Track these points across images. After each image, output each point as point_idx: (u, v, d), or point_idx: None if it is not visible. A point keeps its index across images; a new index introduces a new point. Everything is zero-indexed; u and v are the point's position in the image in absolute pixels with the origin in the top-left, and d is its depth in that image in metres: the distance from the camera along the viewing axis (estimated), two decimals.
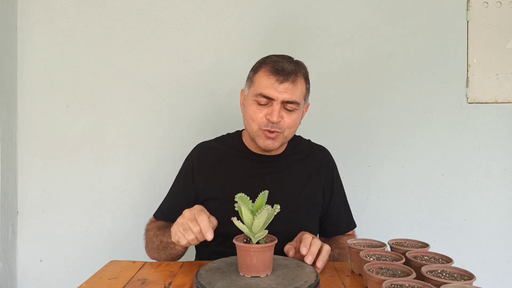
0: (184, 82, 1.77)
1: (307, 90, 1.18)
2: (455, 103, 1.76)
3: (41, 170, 1.76)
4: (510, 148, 1.75)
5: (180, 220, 0.97)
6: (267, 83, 1.10)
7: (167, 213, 1.25)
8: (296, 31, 1.77)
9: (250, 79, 1.17)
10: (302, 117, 1.22)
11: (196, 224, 0.93)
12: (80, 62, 1.77)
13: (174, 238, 0.98)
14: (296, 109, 1.13)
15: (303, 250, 0.95)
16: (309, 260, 0.93)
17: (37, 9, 1.76)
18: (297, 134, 1.38)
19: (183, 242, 0.96)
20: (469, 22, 1.75)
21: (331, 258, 1.13)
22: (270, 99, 1.10)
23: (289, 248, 1.00)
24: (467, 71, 1.75)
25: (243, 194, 0.86)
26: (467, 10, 1.75)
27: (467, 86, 1.75)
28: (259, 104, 1.12)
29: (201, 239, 0.95)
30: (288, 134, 1.16)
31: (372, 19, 1.77)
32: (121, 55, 1.77)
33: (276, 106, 1.10)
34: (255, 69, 1.16)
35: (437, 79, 1.76)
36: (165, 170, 1.74)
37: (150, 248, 1.18)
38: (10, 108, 1.72)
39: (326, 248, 0.98)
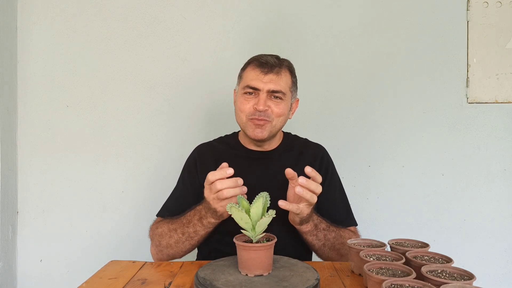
0: (184, 82, 1.77)
1: (293, 83, 1.25)
2: (455, 103, 1.76)
3: (41, 170, 1.76)
4: (510, 148, 1.75)
5: (207, 193, 1.01)
6: (253, 76, 1.19)
7: (174, 209, 1.23)
8: (297, 31, 1.77)
9: (240, 76, 1.26)
10: (292, 112, 1.28)
11: (220, 182, 0.98)
12: (80, 62, 1.77)
13: (216, 205, 1.01)
14: (282, 98, 1.19)
15: (301, 178, 0.95)
16: (297, 189, 0.94)
17: (37, 9, 1.76)
18: (296, 133, 1.39)
19: (226, 198, 0.98)
20: (469, 22, 1.75)
21: (323, 237, 1.12)
22: (256, 89, 1.18)
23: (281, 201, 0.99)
24: (467, 71, 1.75)
25: (233, 203, 0.87)
26: (467, 10, 1.75)
27: (467, 86, 1.75)
28: (247, 96, 1.20)
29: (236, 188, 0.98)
30: (277, 124, 1.21)
31: (372, 19, 1.77)
32: (121, 55, 1.77)
33: (262, 95, 1.17)
34: (244, 67, 1.26)
35: (437, 79, 1.76)
36: (165, 170, 1.74)
37: (165, 244, 1.14)
38: (10, 108, 1.72)
39: (313, 196, 0.98)
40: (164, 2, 1.77)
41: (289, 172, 1.00)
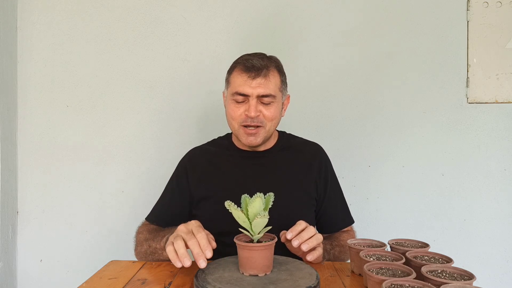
0: (184, 82, 1.77)
1: (282, 82, 1.21)
2: (455, 103, 1.76)
3: (41, 170, 1.76)
4: (510, 148, 1.75)
5: (175, 240, 0.90)
6: (240, 81, 1.16)
7: (160, 215, 1.26)
8: (297, 32, 1.77)
9: (227, 80, 1.23)
10: (284, 109, 1.26)
11: (195, 242, 0.88)
12: (80, 62, 1.77)
13: (169, 256, 0.90)
14: (273, 101, 1.17)
15: (288, 235, 0.94)
16: (295, 243, 0.93)
17: (37, 9, 1.76)
18: (294, 132, 1.39)
19: (178, 265, 0.87)
20: (469, 22, 1.75)
21: (333, 256, 1.13)
22: (245, 95, 1.15)
23: (283, 232, 0.99)
24: (467, 71, 1.75)
25: (231, 202, 0.87)
26: (467, 10, 1.75)
27: (467, 86, 1.75)
28: (237, 102, 1.17)
29: (198, 257, 0.86)
30: (271, 127, 1.19)
31: (372, 19, 1.77)
32: (121, 55, 1.77)
33: (252, 101, 1.15)
34: (230, 70, 1.22)
35: (437, 79, 1.76)
36: (165, 170, 1.74)
37: (138, 251, 1.16)
38: (10, 108, 1.72)
39: (317, 236, 0.97)
40: (164, 2, 1.77)
41: (283, 238, 0.98)
